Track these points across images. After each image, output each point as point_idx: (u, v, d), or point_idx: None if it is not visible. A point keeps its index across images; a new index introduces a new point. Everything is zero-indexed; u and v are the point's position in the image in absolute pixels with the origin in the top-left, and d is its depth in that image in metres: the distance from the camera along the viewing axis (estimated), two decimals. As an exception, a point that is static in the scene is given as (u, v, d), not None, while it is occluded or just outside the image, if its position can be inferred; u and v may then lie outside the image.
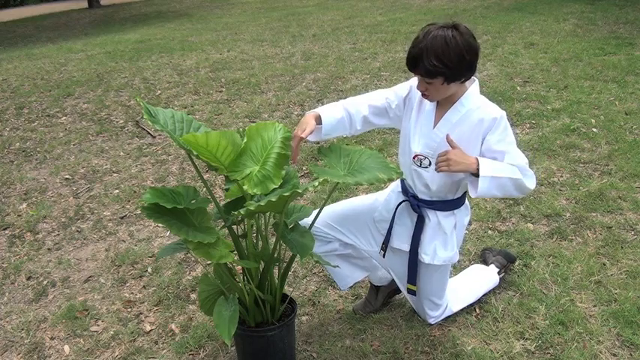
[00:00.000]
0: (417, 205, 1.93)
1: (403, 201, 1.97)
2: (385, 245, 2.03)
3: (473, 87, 1.79)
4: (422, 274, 2.04)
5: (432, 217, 1.93)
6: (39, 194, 3.70)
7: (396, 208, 1.98)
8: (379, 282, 2.26)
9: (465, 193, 1.92)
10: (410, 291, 2.09)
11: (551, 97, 4.62)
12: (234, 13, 12.50)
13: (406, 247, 1.99)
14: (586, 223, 2.79)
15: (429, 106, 1.85)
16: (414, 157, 1.87)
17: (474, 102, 1.77)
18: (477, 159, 1.71)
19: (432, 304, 2.12)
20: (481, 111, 1.75)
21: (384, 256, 2.07)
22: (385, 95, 1.94)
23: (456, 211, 1.93)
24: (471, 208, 2.36)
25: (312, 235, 1.87)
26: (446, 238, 1.94)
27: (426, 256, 1.96)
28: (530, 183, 1.74)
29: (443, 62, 1.62)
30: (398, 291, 2.32)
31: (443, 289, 2.11)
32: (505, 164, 1.72)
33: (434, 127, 1.82)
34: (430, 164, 1.84)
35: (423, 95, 1.78)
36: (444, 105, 1.82)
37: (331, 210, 2.07)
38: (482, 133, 1.75)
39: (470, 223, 2.15)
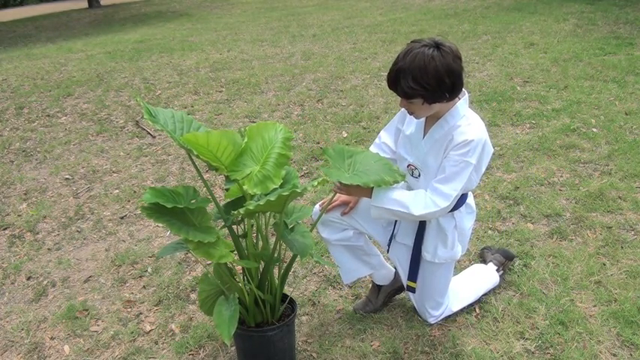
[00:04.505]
0: None
1: None
2: (390, 240, 2.09)
3: (460, 103, 1.77)
4: (426, 271, 2.06)
5: (433, 219, 1.96)
6: (39, 194, 3.70)
7: None
8: (382, 281, 2.27)
9: (463, 196, 1.93)
10: (409, 288, 2.11)
11: (551, 97, 4.62)
12: (234, 13, 12.51)
13: (409, 242, 2.03)
14: (586, 223, 2.79)
15: None
16: (407, 166, 1.94)
17: (457, 120, 1.77)
18: (371, 190, 1.82)
19: (434, 302, 2.14)
20: (459, 131, 1.74)
21: (387, 251, 2.12)
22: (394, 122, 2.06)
23: (455, 213, 1.95)
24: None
25: (324, 224, 2.06)
26: (446, 238, 1.97)
27: (427, 254, 2.01)
28: (421, 213, 1.77)
29: (420, 84, 1.60)
30: (399, 291, 2.34)
31: (446, 286, 2.13)
32: (401, 194, 1.79)
33: (423, 137, 1.87)
34: (420, 175, 1.90)
35: (409, 112, 1.81)
36: (431, 118, 1.84)
37: None
38: (450, 149, 1.76)
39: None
